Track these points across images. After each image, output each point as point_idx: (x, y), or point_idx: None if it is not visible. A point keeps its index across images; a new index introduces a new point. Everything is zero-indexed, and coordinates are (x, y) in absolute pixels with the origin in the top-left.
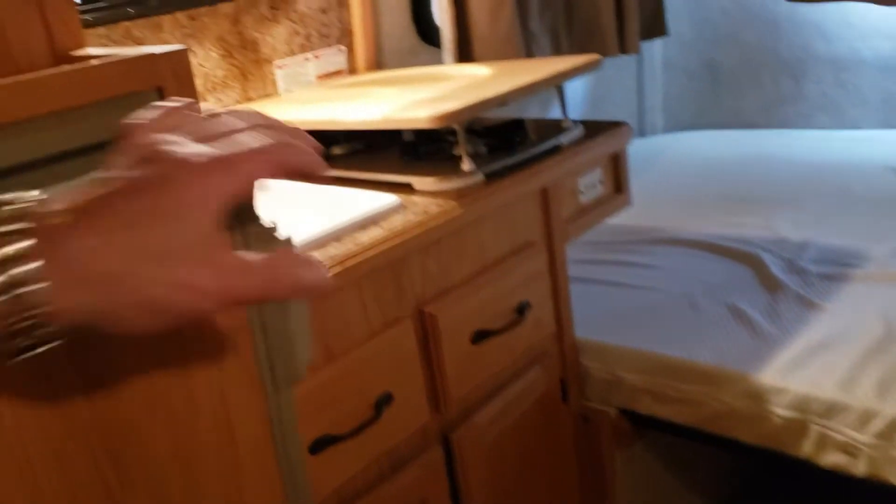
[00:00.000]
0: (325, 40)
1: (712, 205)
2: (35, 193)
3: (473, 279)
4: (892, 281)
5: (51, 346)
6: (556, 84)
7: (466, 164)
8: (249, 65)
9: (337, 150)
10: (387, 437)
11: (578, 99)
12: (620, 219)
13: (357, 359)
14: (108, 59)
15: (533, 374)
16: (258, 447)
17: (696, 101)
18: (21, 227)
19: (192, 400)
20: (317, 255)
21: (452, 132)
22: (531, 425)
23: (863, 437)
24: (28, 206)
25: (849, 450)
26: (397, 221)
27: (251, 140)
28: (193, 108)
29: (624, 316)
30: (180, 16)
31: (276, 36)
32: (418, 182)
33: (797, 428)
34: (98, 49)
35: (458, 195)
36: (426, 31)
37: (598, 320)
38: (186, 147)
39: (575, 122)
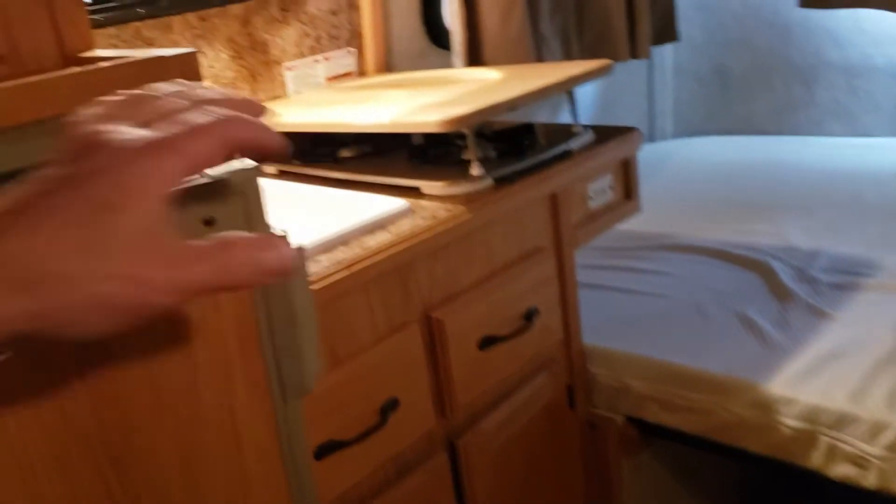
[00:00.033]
0: (335, 42)
1: (722, 211)
2: None
3: (481, 284)
4: None
5: None
6: (566, 89)
7: (475, 169)
8: (259, 66)
9: (345, 153)
10: (392, 442)
11: (588, 102)
12: (629, 224)
13: (363, 363)
14: (117, 62)
15: (540, 381)
16: (265, 458)
17: (707, 106)
18: None
19: (198, 409)
20: (324, 258)
21: (462, 136)
22: (538, 432)
23: (873, 450)
24: None
25: (859, 462)
26: (405, 226)
27: (198, 118)
28: (141, 94)
29: (632, 323)
30: (190, 17)
31: (285, 37)
32: (427, 186)
33: (807, 439)
34: (107, 51)
35: (467, 200)
36: (436, 34)
37: (605, 327)
38: (124, 133)
39: (585, 127)
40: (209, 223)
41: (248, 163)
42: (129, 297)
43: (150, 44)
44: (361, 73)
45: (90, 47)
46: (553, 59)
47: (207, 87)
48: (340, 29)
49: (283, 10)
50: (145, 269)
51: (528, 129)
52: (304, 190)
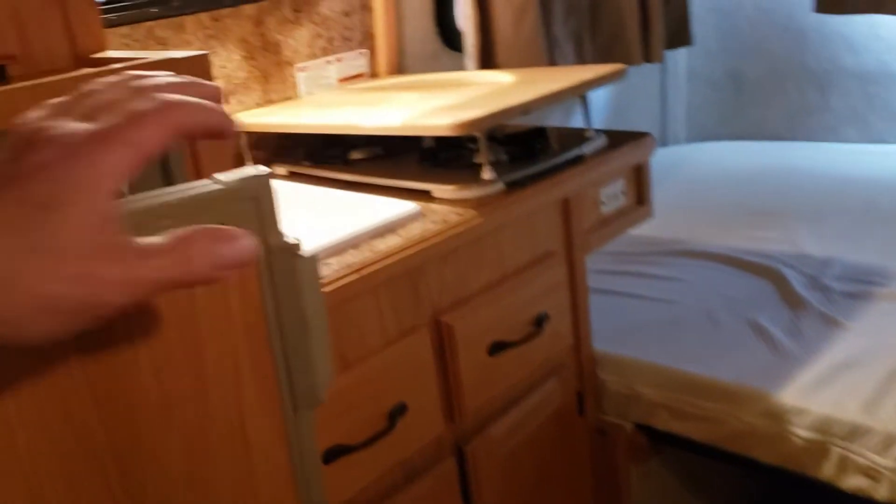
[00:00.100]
0: (348, 43)
1: (734, 217)
2: None
3: (491, 289)
4: None
5: None
6: (579, 94)
7: (487, 173)
8: (271, 67)
9: (356, 155)
10: (400, 447)
11: (601, 106)
12: (641, 229)
13: (372, 367)
14: (129, 63)
15: (549, 387)
16: (275, 469)
17: (720, 111)
18: None
19: (206, 416)
20: (333, 261)
21: (473, 139)
22: (546, 438)
23: (885, 462)
24: None
25: (871, 473)
26: (416, 229)
27: (141, 105)
28: (84, 90)
29: (642, 329)
30: (203, 17)
31: (298, 38)
32: (437, 190)
33: (818, 450)
34: (119, 52)
35: (478, 204)
36: (449, 36)
37: (616, 333)
38: (65, 128)
39: (598, 131)
40: None
41: (262, 169)
42: (79, 297)
43: (162, 43)
44: (373, 74)
45: (102, 48)
46: (566, 62)
47: (157, 74)
48: (353, 30)
49: (296, 10)
50: (95, 267)
51: (540, 132)
52: (315, 192)
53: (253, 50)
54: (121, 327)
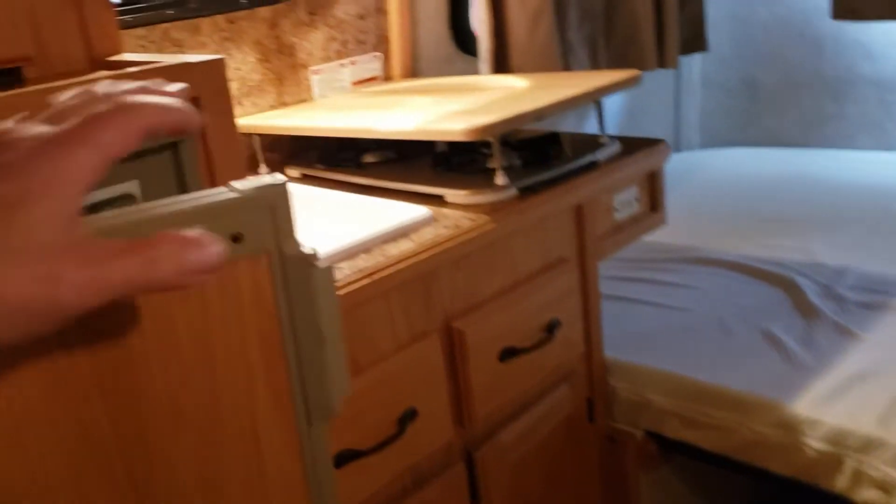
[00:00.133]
0: (362, 47)
1: (747, 225)
2: None
3: (503, 295)
4: None
5: None
6: (594, 100)
7: (500, 178)
8: (285, 70)
9: (369, 158)
10: (410, 453)
11: (614, 110)
12: (653, 236)
13: (383, 372)
14: (145, 67)
15: (560, 394)
16: (288, 481)
17: (734, 117)
18: None
19: (220, 430)
20: (345, 266)
21: (487, 144)
22: (556, 445)
23: None
24: None
25: (885, 487)
26: (428, 234)
27: (103, 108)
28: (52, 102)
29: (654, 336)
30: (219, 19)
31: (312, 41)
32: (450, 194)
33: (831, 462)
34: (134, 55)
35: (491, 209)
36: (463, 40)
37: (627, 340)
38: (27, 131)
39: (612, 137)
40: (237, 239)
41: (279, 177)
42: (40, 298)
43: (178, 45)
44: (387, 77)
45: (118, 51)
46: (580, 67)
47: (125, 83)
48: (367, 34)
49: (311, 13)
50: (57, 267)
51: (553, 138)
52: (327, 195)
53: (268, 52)
54: (133, 336)
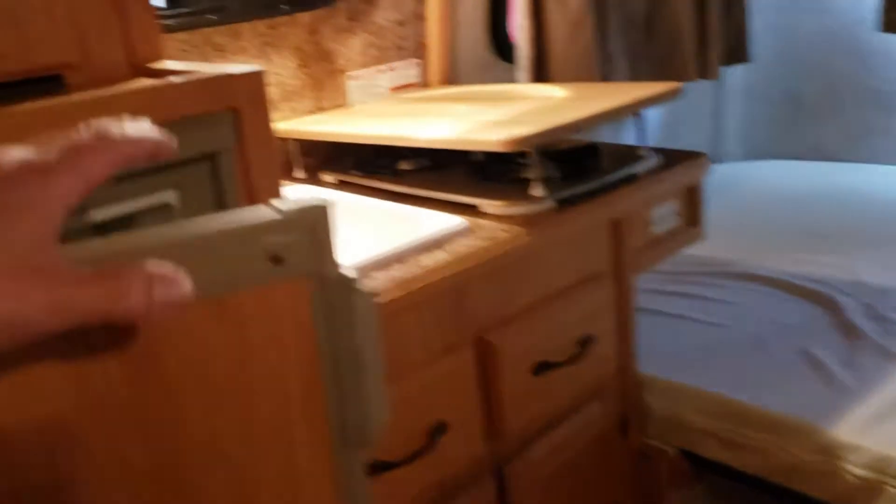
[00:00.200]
0: (401, 53)
1: (788, 240)
2: None
3: (537, 308)
4: None
5: None
6: (634, 112)
7: (537, 190)
8: (323, 75)
9: (404, 166)
10: (440, 466)
11: (653, 119)
12: (691, 248)
13: (414, 384)
14: (187, 78)
15: (592, 409)
16: None
17: (776, 129)
18: None
19: (256, 454)
20: (379, 276)
21: (524, 154)
22: (588, 461)
23: None
24: None
25: None
26: (462, 246)
27: (83, 135)
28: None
29: (690, 353)
30: (260, 24)
31: (351, 47)
32: (486, 205)
33: (872, 489)
34: (176, 62)
35: (527, 221)
36: (501, 47)
37: (662, 355)
38: (8, 154)
39: (651, 150)
40: (277, 261)
41: (320, 198)
42: (3, 312)
43: (219, 50)
44: (425, 84)
45: (159, 57)
46: (620, 76)
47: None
48: (406, 40)
49: (351, 19)
50: (20, 285)
51: (592, 149)
52: (362, 202)
53: (307, 58)
54: (169, 357)
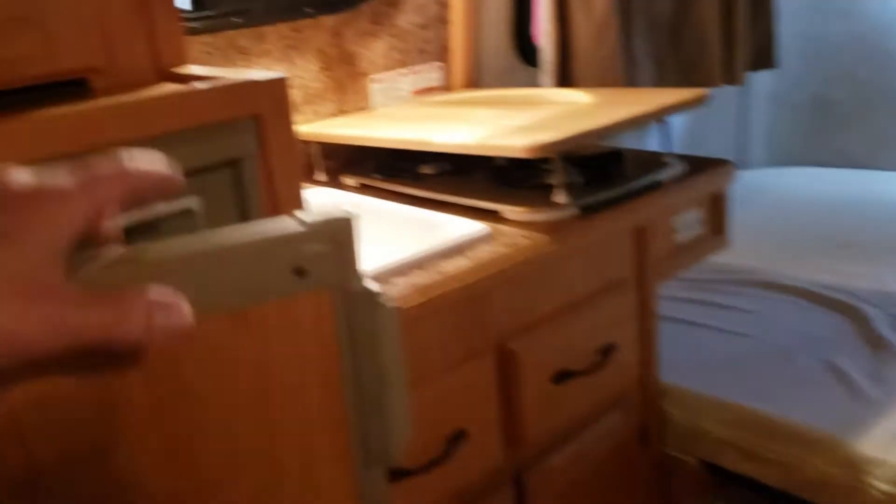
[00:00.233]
0: (423, 56)
1: (814, 248)
2: None
3: (558, 316)
4: None
5: None
6: (659, 118)
7: (561, 196)
8: (346, 78)
9: (426, 170)
10: (458, 474)
11: (678, 124)
12: (715, 255)
13: (433, 391)
14: (211, 84)
15: (613, 418)
16: None
17: (802, 136)
18: None
19: (277, 470)
20: (399, 282)
21: (547, 159)
22: (608, 470)
23: None
24: None
25: None
26: (484, 252)
27: (101, 164)
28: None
29: (712, 362)
30: (284, 27)
31: (374, 50)
32: (508, 211)
33: None
34: (200, 67)
35: (550, 228)
36: (525, 51)
37: (683, 364)
38: (20, 174)
39: (677, 156)
40: (300, 273)
41: (345, 211)
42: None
43: (243, 53)
44: (447, 87)
45: (184, 62)
46: (644, 81)
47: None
48: (429, 43)
49: (375, 23)
50: (20, 306)
51: (616, 155)
52: (383, 206)
53: (330, 61)
54: (190, 367)
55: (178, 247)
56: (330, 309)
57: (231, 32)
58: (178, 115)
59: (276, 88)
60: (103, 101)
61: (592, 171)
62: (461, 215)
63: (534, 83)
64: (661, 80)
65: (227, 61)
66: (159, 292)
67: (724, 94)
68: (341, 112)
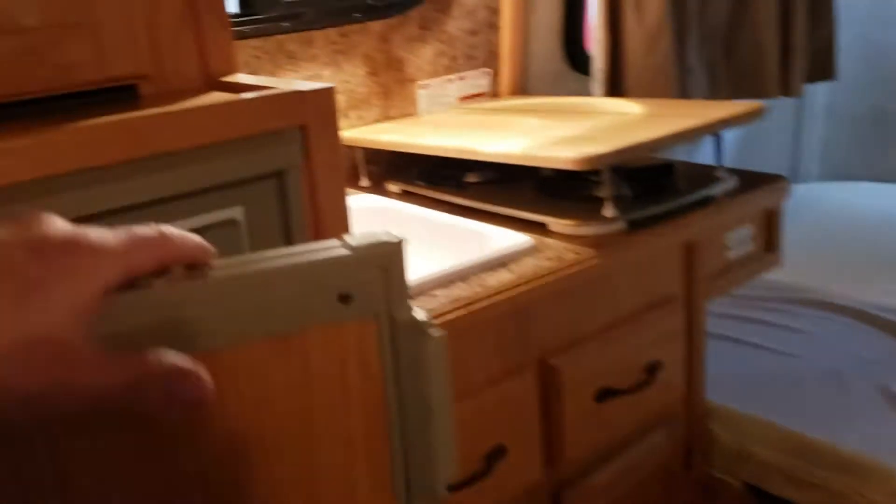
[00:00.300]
0: (471, 62)
1: (869, 267)
2: None
3: (603, 333)
4: None
5: None
6: (712, 133)
7: (609, 210)
8: (392, 83)
9: (470, 178)
10: (497, 491)
11: (729, 136)
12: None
13: (473, 406)
14: (258, 94)
15: (656, 438)
16: None
17: (860, 149)
18: None
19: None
20: (440, 294)
21: (596, 171)
22: (649, 490)
23: None
24: None
25: None
26: (528, 266)
27: (144, 231)
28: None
29: (760, 382)
30: (332, 32)
31: (422, 56)
32: (554, 223)
33: None
34: (247, 76)
35: (597, 242)
36: (575, 58)
37: (731, 384)
38: (67, 226)
39: (729, 171)
40: (345, 300)
41: (393, 235)
42: (8, 377)
43: (291, 57)
44: (495, 94)
45: (232, 70)
46: (698, 91)
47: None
48: (477, 49)
49: (423, 28)
50: (33, 362)
51: (667, 169)
52: (427, 215)
53: (377, 66)
54: (229, 394)
55: (221, 270)
56: (375, 338)
57: (279, 37)
58: (226, 125)
59: (323, 99)
60: (150, 111)
61: (642, 184)
62: (505, 226)
63: (583, 91)
64: (715, 91)
65: (274, 65)
66: (179, 359)
67: (779, 106)
68: (387, 117)
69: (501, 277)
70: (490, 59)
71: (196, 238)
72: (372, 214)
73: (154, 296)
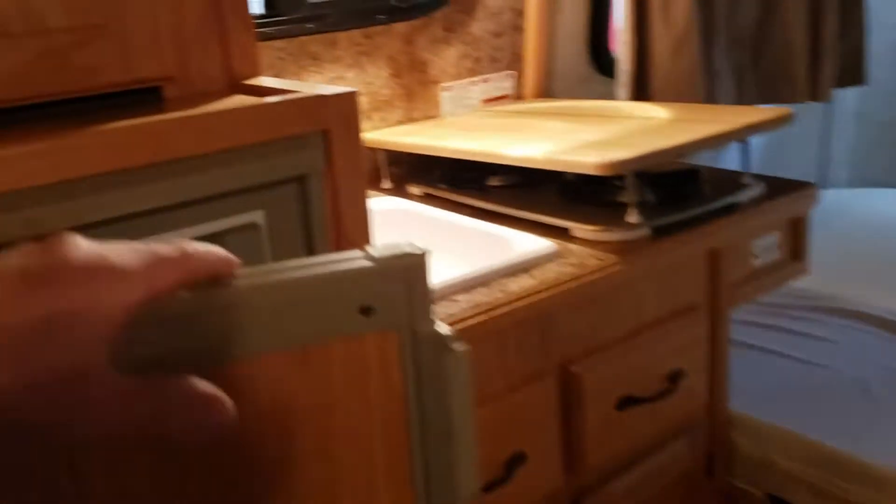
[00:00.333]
0: (495, 65)
1: None
2: None
3: (626, 340)
4: None
5: None
6: (739, 139)
7: (633, 216)
8: (416, 85)
9: (493, 181)
10: (515, 497)
11: (756, 141)
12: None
13: (493, 413)
14: (281, 98)
15: (678, 446)
16: None
17: (888, 155)
18: None
19: None
20: (461, 299)
21: (620, 176)
22: (671, 499)
23: None
24: None
25: None
26: (550, 271)
27: (167, 250)
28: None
29: (785, 392)
30: (356, 33)
31: (445, 58)
32: (577, 229)
33: None
34: (271, 79)
35: (620, 248)
36: (600, 60)
37: (755, 393)
38: (90, 244)
39: (756, 177)
40: (366, 312)
41: (416, 247)
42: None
43: (314, 58)
44: (518, 96)
45: (256, 73)
46: (725, 96)
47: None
48: (502, 51)
49: (447, 30)
50: (61, 389)
51: (693, 174)
52: (449, 218)
53: (400, 68)
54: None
55: (243, 281)
56: (397, 351)
57: (303, 38)
58: (248, 129)
59: (346, 103)
60: (173, 115)
61: (667, 189)
62: (527, 230)
63: (609, 94)
64: (742, 95)
65: (298, 67)
66: (202, 385)
67: (807, 111)
68: (410, 119)
69: (523, 283)
70: (514, 62)
71: (219, 251)
72: (393, 217)
73: (176, 313)
